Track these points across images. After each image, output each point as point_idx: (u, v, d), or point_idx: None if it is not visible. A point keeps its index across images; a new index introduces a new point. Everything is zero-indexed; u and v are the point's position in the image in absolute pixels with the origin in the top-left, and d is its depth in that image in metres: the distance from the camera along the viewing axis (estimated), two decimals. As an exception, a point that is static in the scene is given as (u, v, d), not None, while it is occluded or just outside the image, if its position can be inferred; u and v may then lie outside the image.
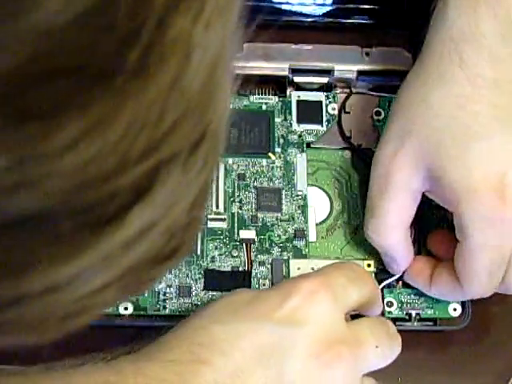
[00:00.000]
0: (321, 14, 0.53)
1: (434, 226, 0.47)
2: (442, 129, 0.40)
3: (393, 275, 0.45)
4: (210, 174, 0.19)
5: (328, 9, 0.53)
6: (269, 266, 0.46)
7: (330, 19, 0.53)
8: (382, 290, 0.45)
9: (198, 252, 0.46)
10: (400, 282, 0.46)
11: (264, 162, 0.48)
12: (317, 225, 0.47)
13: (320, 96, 0.51)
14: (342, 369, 0.36)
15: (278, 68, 0.51)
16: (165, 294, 0.45)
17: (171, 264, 0.21)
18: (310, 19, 0.53)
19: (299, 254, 0.46)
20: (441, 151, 0.40)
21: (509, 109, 0.40)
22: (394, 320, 0.45)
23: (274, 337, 0.35)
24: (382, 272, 0.46)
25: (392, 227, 0.43)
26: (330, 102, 0.51)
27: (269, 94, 0.50)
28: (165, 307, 0.44)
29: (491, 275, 0.41)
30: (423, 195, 0.43)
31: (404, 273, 0.45)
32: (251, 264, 0.46)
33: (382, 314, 0.45)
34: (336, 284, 0.38)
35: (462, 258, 0.41)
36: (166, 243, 0.19)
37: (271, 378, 0.35)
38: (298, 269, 0.46)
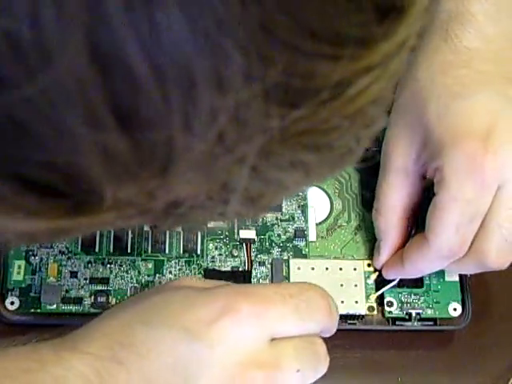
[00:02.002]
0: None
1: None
2: (427, 96, 0.41)
3: (391, 281, 0.45)
4: None
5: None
6: (269, 266, 0.46)
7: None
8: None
9: (198, 252, 0.46)
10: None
11: (264, 161, 0.48)
12: (317, 225, 0.47)
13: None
14: None
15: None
16: (165, 294, 0.45)
17: None
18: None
19: (299, 254, 0.46)
20: (426, 115, 0.41)
21: (493, 74, 0.41)
22: (394, 320, 0.45)
23: (193, 351, 0.34)
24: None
25: (390, 210, 0.44)
26: (330, 102, 0.50)
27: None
28: (165, 307, 0.44)
29: (459, 230, 0.40)
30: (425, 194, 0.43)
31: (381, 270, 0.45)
32: (251, 264, 0.46)
33: (382, 314, 0.45)
34: (275, 312, 0.36)
35: (433, 210, 0.41)
36: None
37: None
38: (298, 269, 0.46)
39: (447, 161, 0.40)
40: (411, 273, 0.44)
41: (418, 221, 0.45)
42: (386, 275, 0.45)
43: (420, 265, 0.43)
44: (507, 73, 0.41)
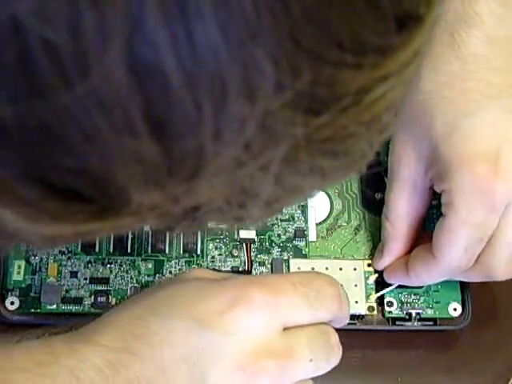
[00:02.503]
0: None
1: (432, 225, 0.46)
2: (433, 111, 0.41)
3: (390, 285, 0.45)
4: None
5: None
6: (269, 266, 0.46)
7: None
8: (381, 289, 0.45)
9: (198, 252, 0.46)
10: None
11: (264, 161, 0.48)
12: (317, 225, 0.47)
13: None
14: (266, 382, 0.35)
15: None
16: (165, 294, 0.45)
17: None
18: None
19: (299, 254, 0.46)
20: (433, 132, 0.40)
21: (502, 86, 0.40)
22: (394, 320, 0.45)
23: (204, 341, 0.35)
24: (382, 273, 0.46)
25: (399, 219, 0.44)
26: (330, 102, 0.50)
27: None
28: (165, 307, 0.44)
29: (467, 250, 0.40)
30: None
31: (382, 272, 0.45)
32: (251, 264, 0.46)
33: (382, 314, 0.45)
34: (286, 301, 0.36)
35: (441, 231, 0.41)
36: None
37: (195, 381, 0.34)
38: (298, 269, 0.46)
39: (455, 184, 0.39)
40: (414, 283, 0.44)
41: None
42: (388, 279, 0.45)
43: (425, 277, 0.44)
44: None
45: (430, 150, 0.41)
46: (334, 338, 0.38)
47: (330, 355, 0.37)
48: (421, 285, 0.45)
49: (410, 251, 0.45)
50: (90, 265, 0.45)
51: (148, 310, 0.36)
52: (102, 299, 0.44)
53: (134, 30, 0.16)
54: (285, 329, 0.36)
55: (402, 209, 0.44)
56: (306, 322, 0.37)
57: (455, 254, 0.41)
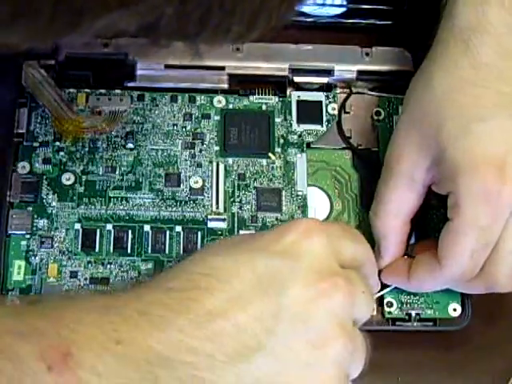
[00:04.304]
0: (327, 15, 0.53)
1: (434, 228, 0.46)
2: (443, 113, 0.41)
3: (388, 286, 0.45)
4: None
5: (332, 10, 0.53)
6: (269, 266, 0.46)
7: (331, 19, 0.53)
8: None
9: (198, 252, 0.46)
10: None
11: (264, 162, 0.48)
12: (317, 225, 0.47)
13: (320, 96, 0.51)
14: (339, 298, 0.36)
15: (277, 68, 0.51)
16: (165, 294, 0.45)
17: None
18: (309, 19, 0.53)
19: (299, 254, 0.46)
20: (442, 134, 0.41)
21: (510, 97, 0.41)
22: (394, 320, 0.45)
23: (272, 267, 0.35)
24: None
25: (390, 215, 0.44)
26: (329, 102, 0.51)
27: (269, 94, 0.50)
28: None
29: (473, 257, 0.40)
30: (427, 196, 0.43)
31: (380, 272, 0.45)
32: (251, 264, 0.46)
33: (382, 314, 0.45)
34: (332, 232, 0.38)
35: (447, 236, 0.41)
36: None
37: (269, 306, 0.35)
38: (298, 269, 0.46)
39: (463, 188, 0.40)
40: (414, 288, 0.45)
41: (413, 227, 0.45)
42: (385, 281, 0.45)
43: (427, 284, 0.44)
44: None
45: (436, 149, 0.41)
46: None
47: (372, 295, 0.40)
48: (419, 291, 0.45)
49: (404, 250, 0.45)
50: (90, 265, 0.45)
51: (207, 253, 0.37)
52: (101, 299, 0.44)
53: None
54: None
55: (394, 204, 0.43)
56: (352, 253, 0.39)
57: (461, 258, 0.41)
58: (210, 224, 0.46)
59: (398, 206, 0.43)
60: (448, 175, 0.41)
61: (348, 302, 0.36)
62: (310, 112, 0.50)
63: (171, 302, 0.34)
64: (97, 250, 0.45)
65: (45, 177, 0.47)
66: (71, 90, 0.49)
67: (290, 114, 0.50)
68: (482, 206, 0.39)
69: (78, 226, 0.46)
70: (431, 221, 0.46)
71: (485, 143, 0.40)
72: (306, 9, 0.53)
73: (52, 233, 0.45)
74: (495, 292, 0.43)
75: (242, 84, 0.51)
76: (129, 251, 0.45)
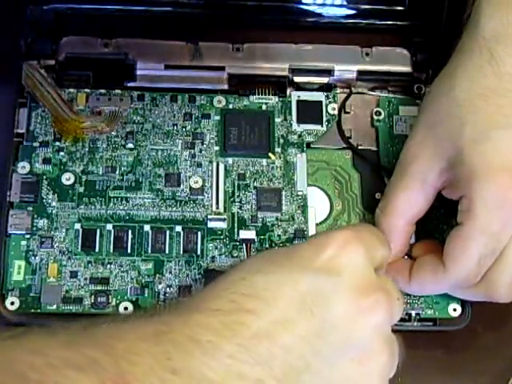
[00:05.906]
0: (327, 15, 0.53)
1: (434, 228, 0.46)
2: (464, 117, 0.41)
3: None
4: None
5: (332, 10, 0.53)
6: (269, 266, 0.46)
7: (331, 19, 0.53)
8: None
9: (198, 252, 0.46)
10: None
11: (264, 162, 0.48)
12: (317, 225, 0.47)
13: (320, 96, 0.51)
14: (381, 313, 0.36)
15: (277, 68, 0.51)
16: (165, 294, 0.45)
17: None
18: (310, 19, 0.53)
19: (299, 254, 0.46)
20: (461, 138, 0.41)
21: None
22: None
23: (315, 285, 0.35)
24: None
25: (397, 214, 0.44)
26: (329, 102, 0.51)
27: (269, 94, 0.51)
28: (165, 307, 0.44)
29: (480, 263, 0.41)
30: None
31: None
32: (251, 264, 0.46)
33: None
34: (366, 239, 0.38)
35: (456, 240, 0.41)
36: None
37: (314, 325, 0.34)
38: (298, 269, 0.46)
39: (478, 192, 0.40)
40: (414, 291, 0.45)
41: (418, 230, 0.45)
42: None
43: (428, 287, 0.44)
44: None
45: (453, 152, 0.41)
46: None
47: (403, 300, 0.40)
48: (419, 294, 0.45)
49: (405, 251, 0.45)
50: (90, 265, 0.45)
51: (247, 271, 0.36)
52: (102, 299, 0.44)
53: None
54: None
55: (402, 204, 0.43)
56: (382, 259, 0.40)
57: (468, 263, 0.41)
58: (210, 224, 0.46)
59: (405, 206, 0.43)
60: (463, 178, 0.41)
61: (389, 315, 0.36)
62: (310, 112, 0.50)
63: (218, 327, 0.33)
64: (97, 249, 0.45)
65: (45, 177, 0.47)
66: (71, 90, 0.50)
67: (290, 113, 0.50)
68: (495, 211, 0.39)
69: (77, 225, 0.46)
70: (431, 221, 0.46)
71: (503, 150, 0.40)
72: (306, 9, 0.53)
73: (52, 233, 0.45)
74: (493, 302, 0.43)
75: (242, 84, 0.51)
76: (129, 251, 0.45)
